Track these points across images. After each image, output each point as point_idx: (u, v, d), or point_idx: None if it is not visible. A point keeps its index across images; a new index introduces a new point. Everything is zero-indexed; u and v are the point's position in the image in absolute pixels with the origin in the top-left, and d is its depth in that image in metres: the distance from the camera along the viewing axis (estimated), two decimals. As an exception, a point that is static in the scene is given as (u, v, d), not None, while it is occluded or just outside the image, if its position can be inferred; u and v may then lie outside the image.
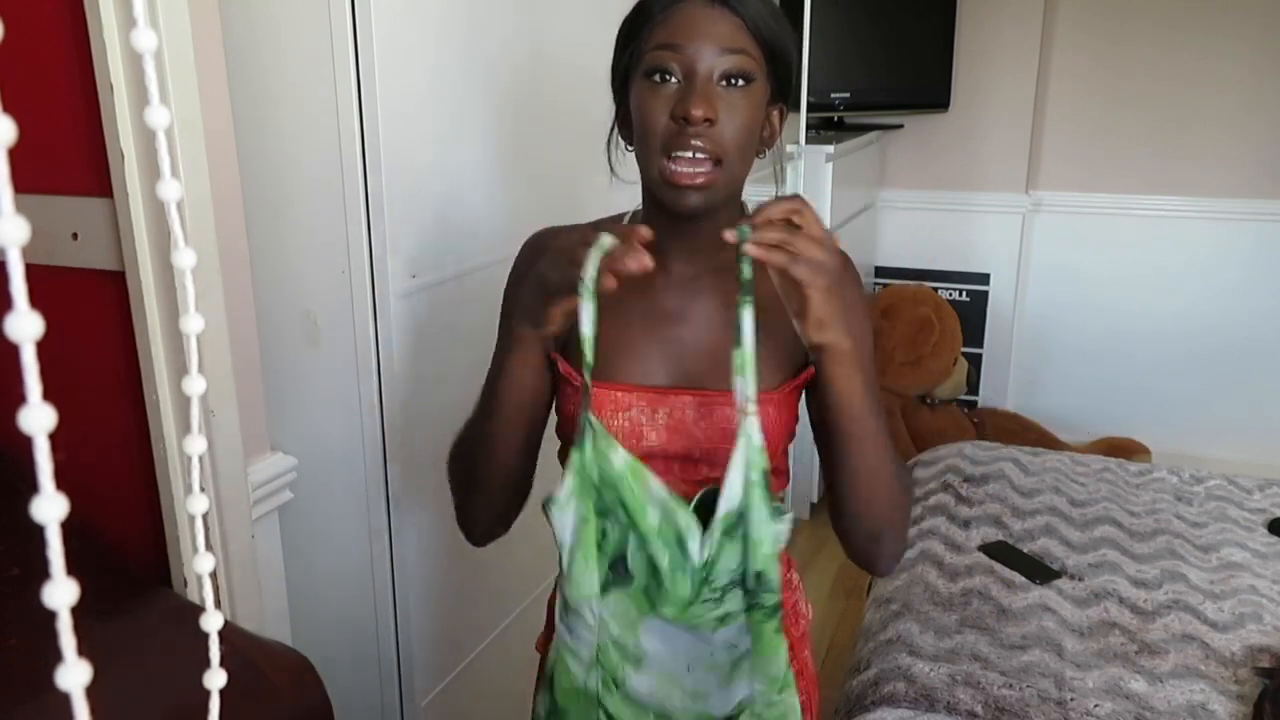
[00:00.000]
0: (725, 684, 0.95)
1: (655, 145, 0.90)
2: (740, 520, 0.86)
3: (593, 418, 0.88)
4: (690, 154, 0.88)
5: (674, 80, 0.89)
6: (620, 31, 0.96)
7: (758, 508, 0.85)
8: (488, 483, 1.00)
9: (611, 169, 1.02)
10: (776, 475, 0.98)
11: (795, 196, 0.82)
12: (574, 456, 0.89)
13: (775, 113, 0.97)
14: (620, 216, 1.05)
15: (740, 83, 0.89)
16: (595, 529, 0.91)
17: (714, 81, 0.89)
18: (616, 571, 0.93)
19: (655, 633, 0.94)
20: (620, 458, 0.88)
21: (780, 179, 1.05)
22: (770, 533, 0.86)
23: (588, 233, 0.84)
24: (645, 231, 0.82)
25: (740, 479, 0.84)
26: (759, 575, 0.87)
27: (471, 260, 1.59)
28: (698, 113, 0.86)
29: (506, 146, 1.65)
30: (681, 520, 0.87)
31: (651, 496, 0.88)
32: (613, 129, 1.01)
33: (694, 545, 0.87)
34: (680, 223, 0.95)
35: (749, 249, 0.79)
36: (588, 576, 0.92)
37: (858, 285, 0.99)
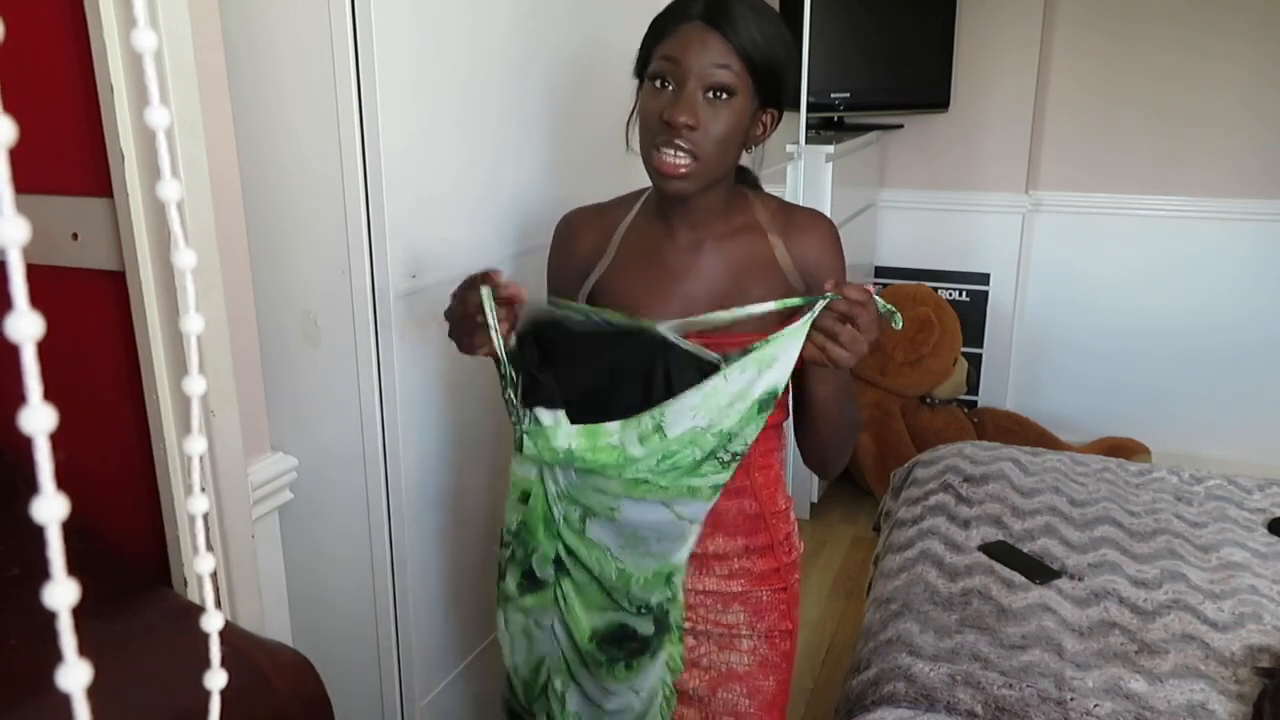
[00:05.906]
0: (683, 542, 1.12)
1: (649, 137, 1.09)
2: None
3: (526, 421, 1.08)
4: (673, 151, 1.06)
5: (670, 87, 1.07)
6: (644, 36, 1.13)
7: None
8: None
9: (627, 143, 1.17)
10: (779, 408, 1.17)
11: (864, 289, 0.98)
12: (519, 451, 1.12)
13: (767, 116, 1.13)
14: (640, 193, 1.24)
15: (723, 95, 1.06)
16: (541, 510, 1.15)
17: (700, 93, 1.05)
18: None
19: (633, 507, 1.10)
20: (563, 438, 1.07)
21: (758, 164, 1.25)
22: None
23: (469, 284, 1.06)
24: (500, 277, 1.05)
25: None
26: (731, 436, 1.05)
27: (471, 260, 1.59)
28: (680, 119, 1.04)
29: (507, 145, 1.65)
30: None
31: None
32: (632, 111, 1.16)
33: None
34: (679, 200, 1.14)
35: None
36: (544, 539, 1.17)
37: (838, 245, 1.20)
